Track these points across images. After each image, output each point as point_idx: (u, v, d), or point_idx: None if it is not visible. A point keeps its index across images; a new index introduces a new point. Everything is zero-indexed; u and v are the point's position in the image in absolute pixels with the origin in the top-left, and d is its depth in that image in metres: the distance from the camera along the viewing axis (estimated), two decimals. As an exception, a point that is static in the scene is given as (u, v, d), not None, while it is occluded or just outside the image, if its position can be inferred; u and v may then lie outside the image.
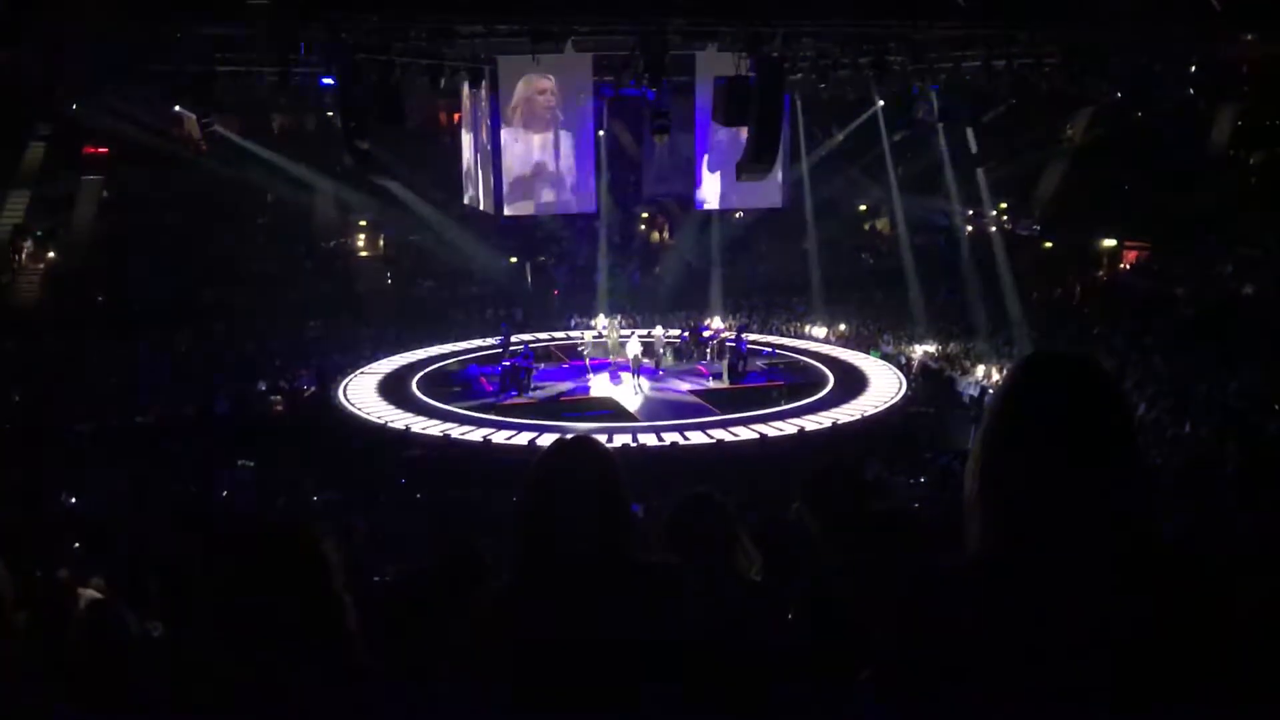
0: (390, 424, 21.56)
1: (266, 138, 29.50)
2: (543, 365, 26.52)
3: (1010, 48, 20.34)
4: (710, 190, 22.81)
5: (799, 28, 18.34)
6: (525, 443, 19.64)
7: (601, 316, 31.23)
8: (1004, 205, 36.04)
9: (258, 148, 28.60)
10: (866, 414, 22.04)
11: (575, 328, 31.15)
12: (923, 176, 32.51)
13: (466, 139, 23.32)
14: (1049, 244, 35.23)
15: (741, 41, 17.13)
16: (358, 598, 2.63)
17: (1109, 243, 33.87)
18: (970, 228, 35.27)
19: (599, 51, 19.73)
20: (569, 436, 2.60)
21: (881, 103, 25.92)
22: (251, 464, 19.27)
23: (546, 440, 19.50)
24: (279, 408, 24.31)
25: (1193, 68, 23.51)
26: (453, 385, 25.07)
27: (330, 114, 24.58)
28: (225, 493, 17.31)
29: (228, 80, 18.87)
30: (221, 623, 2.45)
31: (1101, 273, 33.99)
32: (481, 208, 23.19)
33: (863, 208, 39.05)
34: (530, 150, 20.96)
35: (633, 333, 25.68)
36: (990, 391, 21.22)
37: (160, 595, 5.58)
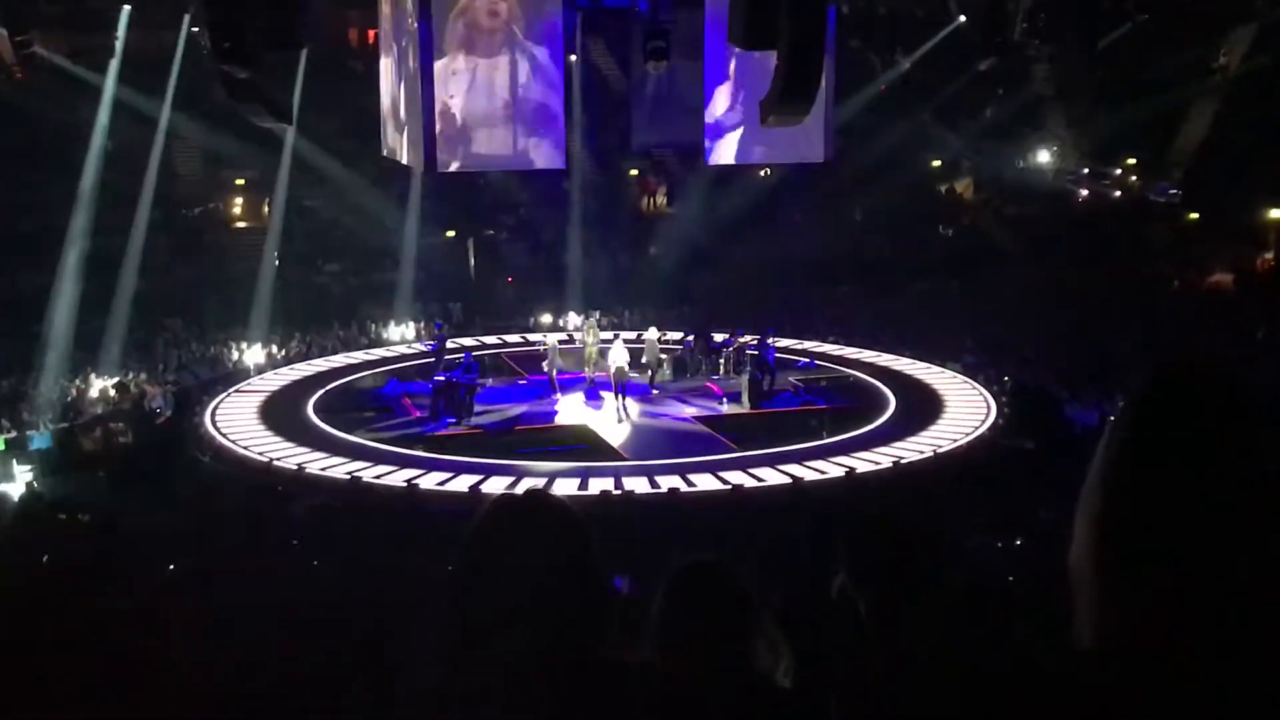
0: (278, 462, 21.52)
1: (106, 63, 29.43)
2: (490, 381, 26.53)
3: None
4: (725, 139, 22.86)
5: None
6: (465, 489, 19.60)
7: (573, 314, 31.23)
8: (1132, 161, 36.21)
9: (94, 76, 28.55)
10: (940, 450, 22.08)
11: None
12: (1019, 122, 32.65)
13: (386, 66, 23.33)
14: (1194, 215, 35.41)
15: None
16: (231, 698, 2.62)
17: (1276, 214, 34.06)
18: (1085, 192, 35.40)
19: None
20: (516, 493, 2.58)
21: (963, 18, 26.08)
22: (85, 518, 19.20)
23: (495, 486, 19.59)
24: (122, 438, 24.25)
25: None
26: (367, 408, 25.05)
27: (196, 30, 24.55)
28: (46, 558, 17.22)
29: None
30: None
31: (1267, 255, 34.17)
32: (406, 161, 23.18)
33: (936, 164, 39.22)
34: (475, 83, 20.99)
35: (616, 336, 25.70)
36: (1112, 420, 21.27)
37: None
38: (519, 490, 2.60)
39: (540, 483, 19.69)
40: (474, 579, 2.44)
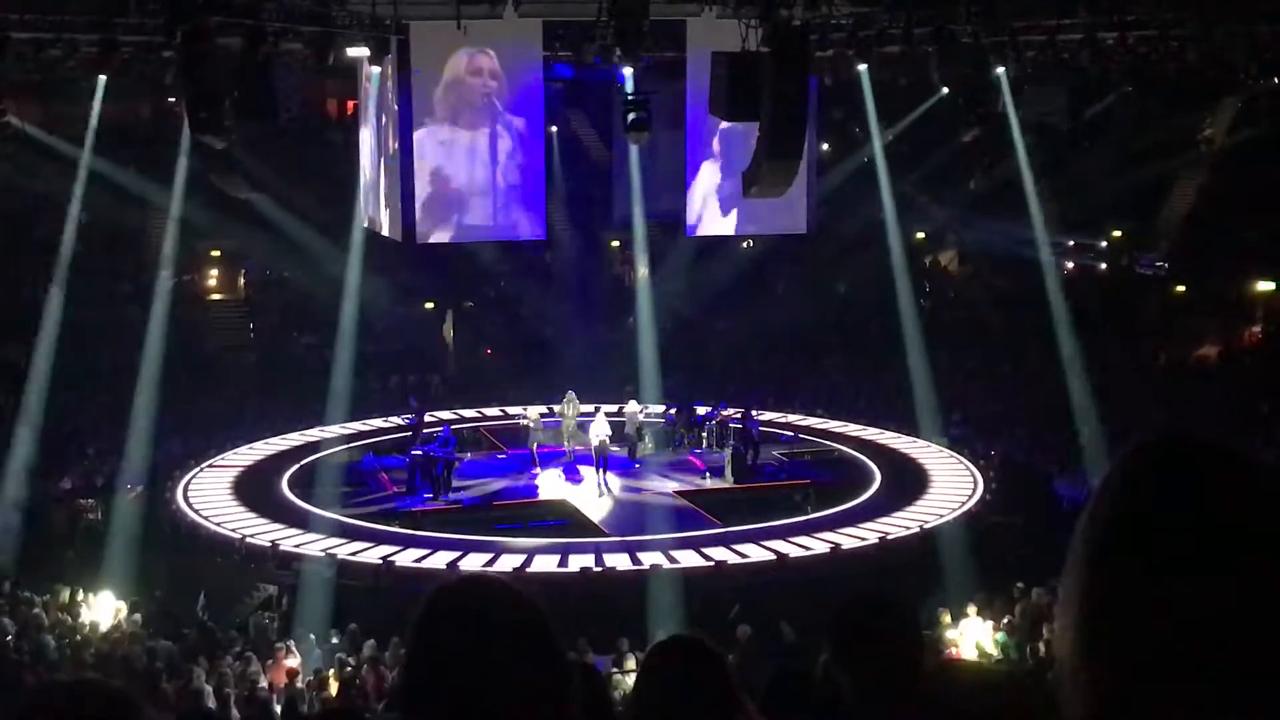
0: (251, 538, 21.41)
1: (80, 133, 29.51)
2: (469, 455, 26.45)
3: (1125, 16, 20.68)
4: (707, 210, 22.97)
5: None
6: (444, 565, 19.52)
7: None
8: (1118, 234, 36.44)
9: (68, 146, 28.61)
10: (927, 526, 22.05)
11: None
12: (1004, 192, 32.89)
13: (366, 137, 23.45)
14: (1181, 287, 35.59)
15: (750, 4, 17.33)
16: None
17: (1265, 286, 34.23)
18: (1070, 264, 35.57)
19: (551, 17, 19.96)
20: (456, 578, 2.40)
21: (946, 90, 26.31)
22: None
23: (473, 562, 19.48)
24: (91, 515, 24.09)
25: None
26: (343, 483, 24.94)
27: (173, 100, 24.67)
28: (10, 638, 17.06)
29: (26, 51, 18.92)
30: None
31: (1256, 328, 34.30)
32: (385, 232, 23.25)
33: (920, 235, 39.38)
34: (455, 154, 21.09)
35: (597, 410, 25.65)
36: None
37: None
38: (456, 577, 2.37)
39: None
40: (420, 667, 2.30)
